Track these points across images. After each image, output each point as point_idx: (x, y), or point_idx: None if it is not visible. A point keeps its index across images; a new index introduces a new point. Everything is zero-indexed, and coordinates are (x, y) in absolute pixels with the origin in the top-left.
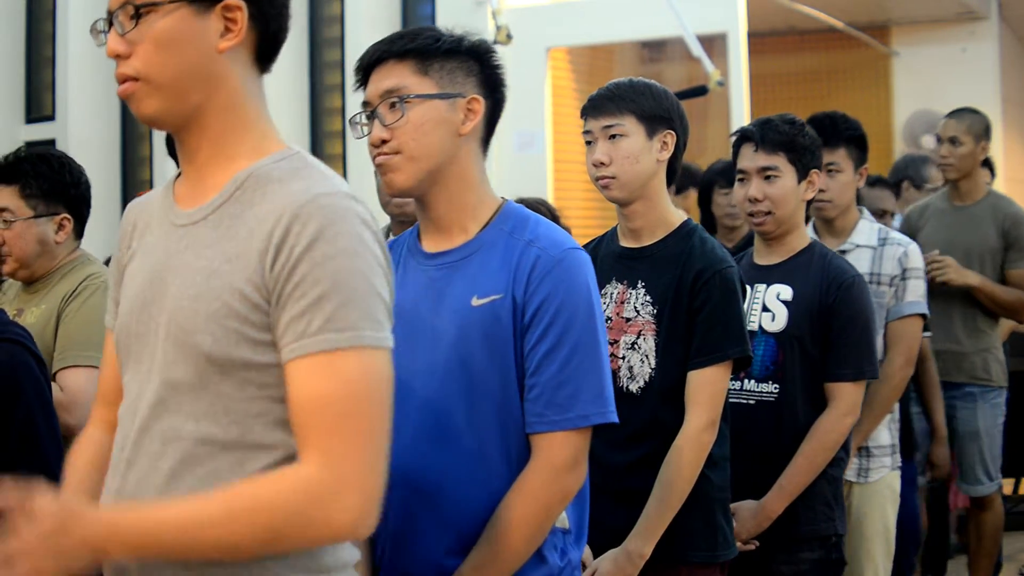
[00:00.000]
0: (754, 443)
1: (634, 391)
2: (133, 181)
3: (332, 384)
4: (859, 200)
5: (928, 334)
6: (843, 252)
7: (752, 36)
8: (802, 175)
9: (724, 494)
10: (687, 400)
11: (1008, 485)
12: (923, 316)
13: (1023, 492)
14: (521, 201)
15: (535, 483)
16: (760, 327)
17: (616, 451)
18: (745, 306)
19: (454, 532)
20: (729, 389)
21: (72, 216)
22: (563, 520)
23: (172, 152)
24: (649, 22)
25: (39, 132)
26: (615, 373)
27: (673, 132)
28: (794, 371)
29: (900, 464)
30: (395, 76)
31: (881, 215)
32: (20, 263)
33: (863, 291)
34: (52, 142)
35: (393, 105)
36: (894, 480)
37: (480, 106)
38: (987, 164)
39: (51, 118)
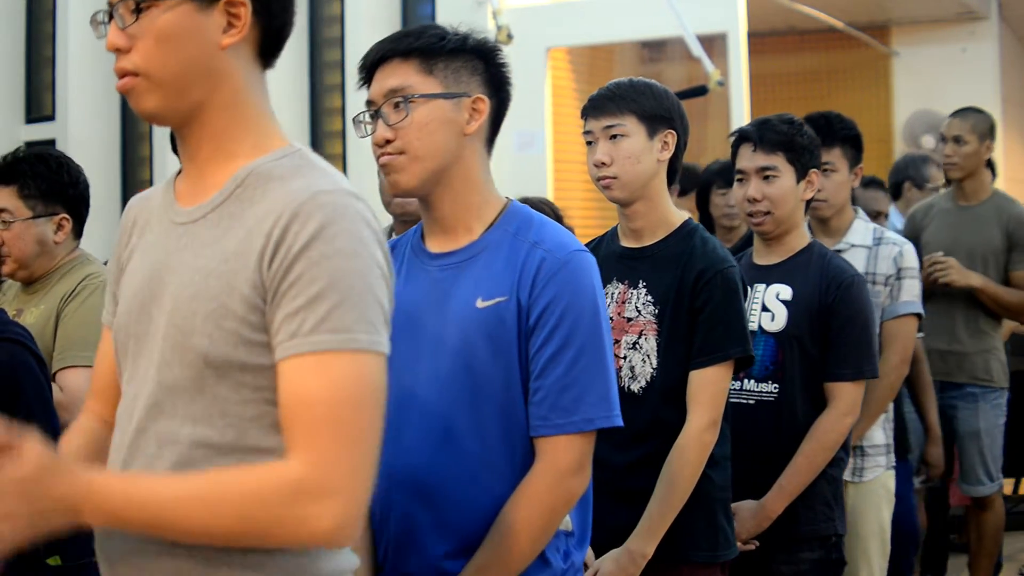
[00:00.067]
0: (754, 443)
1: (635, 391)
2: (133, 181)
3: (322, 386)
4: (853, 201)
5: (921, 334)
6: (838, 252)
7: (752, 36)
8: (801, 175)
9: (725, 494)
10: (689, 400)
11: (1008, 485)
12: (918, 316)
13: (1023, 492)
14: (525, 201)
15: (539, 487)
16: (760, 327)
17: (617, 451)
18: (745, 306)
19: (457, 535)
20: (729, 389)
21: (71, 216)
22: (566, 523)
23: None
24: (649, 22)
25: (39, 132)
26: (616, 373)
27: (674, 132)
28: (794, 371)
29: (895, 464)
30: (399, 75)
31: (875, 216)
32: (19, 263)
33: (863, 291)
34: (52, 142)
35: (397, 105)
36: (889, 480)
37: (485, 106)
38: (988, 164)
39: (51, 118)
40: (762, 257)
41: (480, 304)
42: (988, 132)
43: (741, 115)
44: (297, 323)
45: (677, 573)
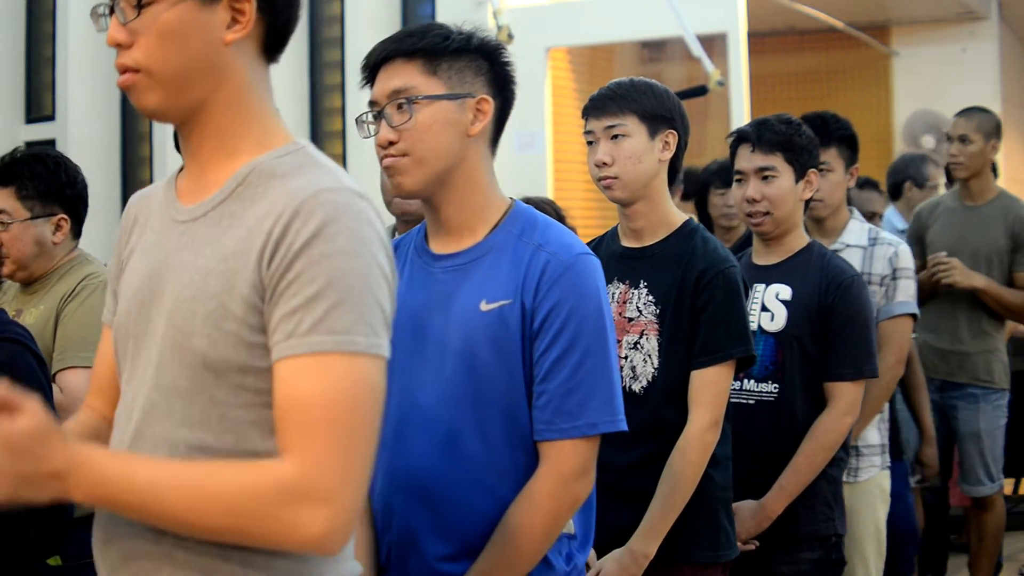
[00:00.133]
0: (754, 443)
1: (637, 391)
2: (133, 181)
3: (318, 388)
4: (849, 201)
5: (914, 335)
6: (833, 252)
7: (752, 36)
8: (800, 175)
9: (727, 494)
10: (690, 400)
11: (1008, 485)
12: (913, 316)
13: (1023, 492)
14: (527, 201)
15: (543, 491)
16: (759, 327)
17: (619, 451)
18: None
19: (459, 539)
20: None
21: (69, 216)
22: (569, 526)
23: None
24: (649, 22)
25: (39, 132)
26: None
27: (675, 132)
28: (793, 371)
29: (890, 464)
30: (403, 76)
31: (870, 217)
32: (18, 264)
33: (862, 290)
34: (52, 142)
35: (401, 106)
36: (884, 480)
37: (489, 106)
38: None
39: (51, 118)
40: (761, 257)
41: (484, 307)
42: (994, 131)
43: (741, 115)
44: (294, 323)
45: (678, 573)
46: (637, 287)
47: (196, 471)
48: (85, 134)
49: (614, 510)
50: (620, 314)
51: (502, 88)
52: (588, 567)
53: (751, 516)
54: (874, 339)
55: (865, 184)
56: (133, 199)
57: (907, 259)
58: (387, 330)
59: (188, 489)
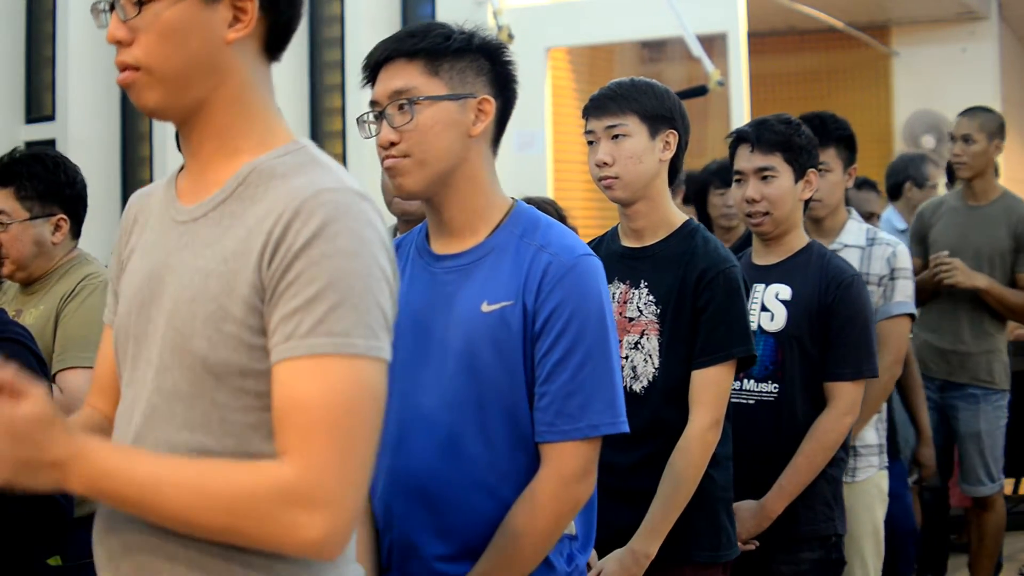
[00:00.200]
0: (754, 443)
1: (637, 391)
2: (133, 181)
3: (316, 390)
4: (846, 202)
5: (913, 335)
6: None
7: (752, 36)
8: (799, 175)
9: (727, 494)
10: (691, 400)
11: (1008, 485)
12: (911, 316)
13: (1023, 492)
14: (529, 201)
15: (545, 493)
16: (759, 327)
17: (620, 451)
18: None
19: (461, 540)
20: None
21: (68, 216)
22: (570, 527)
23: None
24: (649, 22)
25: (39, 132)
26: None
27: (675, 132)
28: (793, 371)
29: (887, 464)
30: (404, 76)
31: (868, 217)
32: (17, 265)
33: (862, 290)
34: (52, 142)
35: (402, 107)
36: (882, 480)
37: (491, 107)
38: None
39: (51, 118)
40: (761, 257)
41: (486, 308)
42: (997, 131)
43: (741, 115)
44: (293, 325)
45: (679, 573)
46: (638, 287)
47: (196, 469)
48: (85, 134)
49: (615, 510)
50: (621, 314)
51: (504, 88)
52: (589, 567)
53: (751, 516)
54: (874, 339)
55: (863, 184)
56: (133, 198)
57: (905, 259)
58: (388, 333)
59: (187, 487)
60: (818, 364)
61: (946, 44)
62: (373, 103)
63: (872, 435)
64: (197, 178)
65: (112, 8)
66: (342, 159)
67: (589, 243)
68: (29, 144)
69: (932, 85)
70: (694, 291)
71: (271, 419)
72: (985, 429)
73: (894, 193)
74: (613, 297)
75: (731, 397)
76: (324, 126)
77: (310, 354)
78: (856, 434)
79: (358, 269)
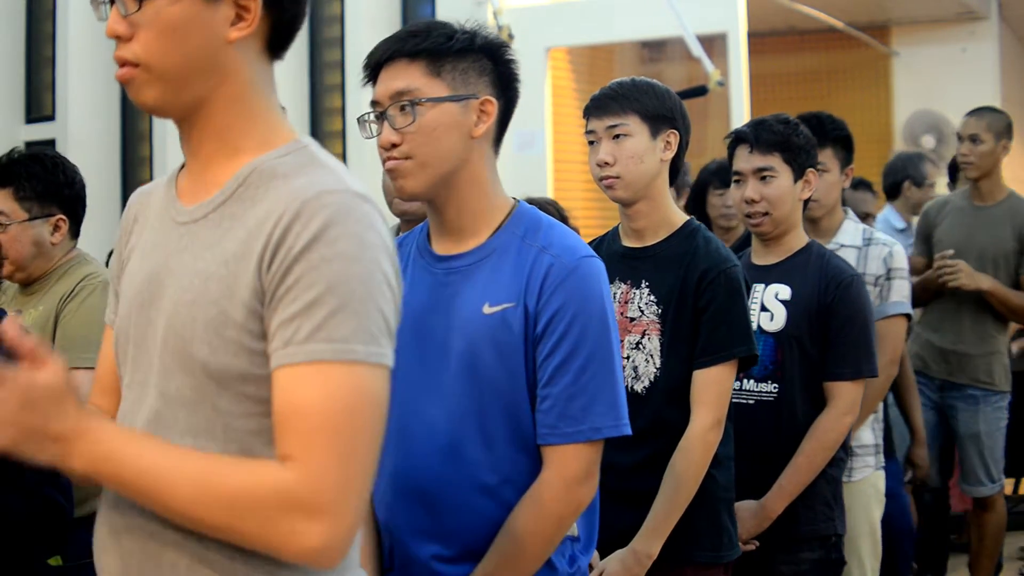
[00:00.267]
0: (754, 443)
1: (639, 391)
2: (133, 181)
3: (316, 396)
4: (843, 202)
5: (917, 332)
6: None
7: (752, 36)
8: (798, 174)
9: (729, 494)
10: (693, 400)
11: (1008, 485)
12: (907, 316)
13: (1023, 492)
14: (531, 201)
15: (547, 495)
16: (759, 327)
17: (621, 451)
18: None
19: (462, 542)
20: None
21: (67, 217)
22: (572, 528)
23: None
24: (649, 22)
25: (39, 132)
26: None
27: (676, 132)
28: (793, 371)
29: (884, 464)
30: (406, 77)
31: (863, 218)
32: (16, 266)
33: (861, 290)
34: (52, 142)
35: (404, 108)
36: (878, 480)
37: (493, 107)
38: None
39: (51, 118)
40: (760, 257)
41: (487, 310)
42: (1005, 131)
43: (741, 115)
44: (292, 330)
45: (681, 573)
46: (639, 287)
47: (200, 463)
48: (85, 134)
49: (617, 510)
50: (622, 314)
51: (506, 88)
52: (591, 568)
53: (751, 516)
54: (874, 339)
55: (858, 185)
56: (134, 197)
57: (901, 259)
58: (390, 338)
59: (189, 480)
60: (818, 364)
61: (946, 44)
62: (374, 103)
63: (868, 435)
64: (197, 178)
65: (112, 2)
66: (342, 159)
67: (590, 243)
68: (29, 144)
69: (932, 85)
70: (695, 291)
71: (272, 425)
72: (984, 430)
73: (892, 192)
74: (614, 297)
75: (731, 397)
76: (324, 126)
77: (309, 360)
78: (852, 434)
79: (359, 273)
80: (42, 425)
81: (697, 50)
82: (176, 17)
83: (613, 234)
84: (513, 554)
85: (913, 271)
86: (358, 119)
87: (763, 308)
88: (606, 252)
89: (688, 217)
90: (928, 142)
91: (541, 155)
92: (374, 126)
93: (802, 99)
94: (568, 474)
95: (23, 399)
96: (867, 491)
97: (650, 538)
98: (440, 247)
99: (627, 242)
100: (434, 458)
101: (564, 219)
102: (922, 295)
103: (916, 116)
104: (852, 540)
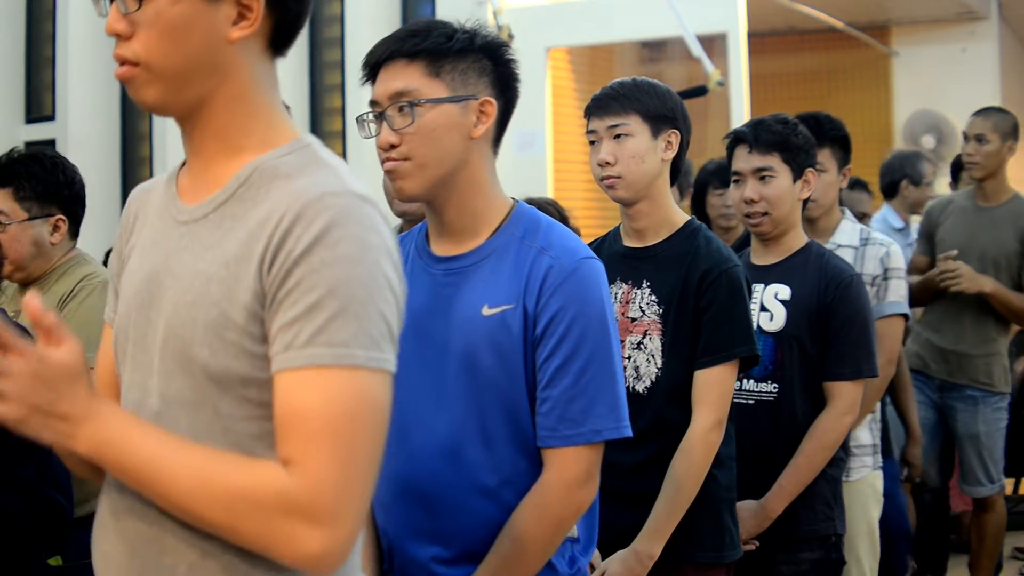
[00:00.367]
0: (754, 443)
1: (640, 391)
2: (133, 181)
3: (317, 401)
4: (840, 202)
5: (918, 331)
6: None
7: (752, 36)
8: (797, 174)
9: (731, 494)
10: (694, 400)
11: (1009, 485)
12: (904, 316)
13: (1023, 492)
14: (530, 202)
15: (547, 498)
16: (758, 327)
17: (623, 451)
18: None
19: (461, 544)
20: None
21: (67, 217)
22: (572, 529)
23: None
24: (649, 22)
25: (39, 132)
26: None
27: (677, 132)
28: (793, 371)
29: (881, 464)
30: (405, 77)
31: (860, 218)
32: (16, 265)
33: (861, 290)
34: (52, 142)
35: (402, 108)
36: (876, 480)
37: (493, 108)
38: None
39: (51, 118)
40: (760, 257)
41: (486, 311)
42: (1011, 132)
43: (741, 115)
44: (292, 334)
45: (682, 574)
46: (640, 287)
47: (204, 458)
48: (85, 134)
49: (618, 511)
50: (623, 314)
51: (505, 88)
52: (592, 568)
53: (751, 516)
54: (873, 338)
55: (854, 185)
56: (134, 194)
57: (898, 259)
58: (392, 343)
59: (192, 475)
60: (817, 364)
61: (946, 44)
62: (373, 103)
63: (866, 435)
64: (199, 176)
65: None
66: (342, 159)
67: (591, 243)
68: (29, 144)
69: (932, 85)
70: (697, 291)
71: (273, 429)
72: (984, 431)
73: (890, 192)
74: (616, 297)
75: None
76: (324, 126)
77: (309, 365)
78: (850, 434)
79: (360, 277)
80: (52, 402)
81: (697, 50)
82: (177, 17)
83: (614, 234)
84: (513, 556)
85: (916, 270)
86: (357, 119)
87: (763, 308)
88: (607, 252)
89: (689, 217)
90: (928, 142)
91: (541, 155)
92: (373, 126)
93: (802, 99)
94: (568, 476)
95: (37, 375)
96: (865, 491)
97: (652, 538)
98: (439, 248)
99: (628, 242)
100: (433, 460)
101: (564, 219)
102: (924, 294)
103: (916, 116)
104: (850, 540)
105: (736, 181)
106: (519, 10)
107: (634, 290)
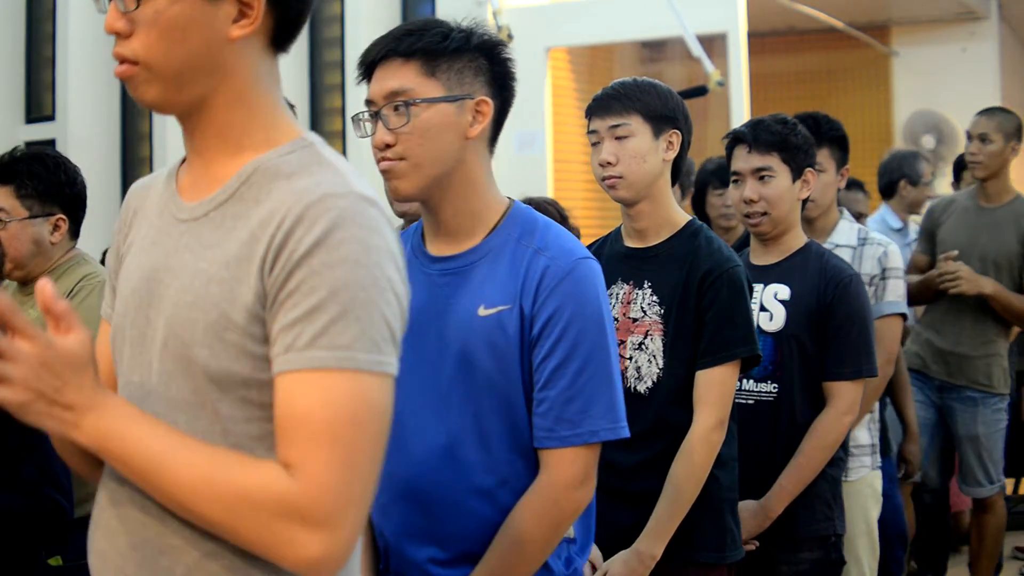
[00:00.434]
0: (753, 443)
1: (642, 391)
2: (133, 181)
3: (317, 403)
4: (838, 202)
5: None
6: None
7: (752, 36)
8: (796, 174)
9: (732, 494)
10: (696, 400)
11: (1009, 485)
12: (902, 316)
13: (1023, 492)
14: (529, 201)
15: (544, 499)
16: (758, 327)
17: (624, 451)
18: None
19: (458, 545)
20: None
21: (67, 216)
22: (569, 530)
23: None
24: (649, 22)
25: (39, 132)
26: (622, 373)
27: (679, 132)
28: (792, 370)
29: (880, 464)
30: (400, 77)
31: (857, 218)
32: (15, 264)
33: (860, 289)
34: (52, 142)
35: (398, 108)
36: (875, 480)
37: (488, 108)
38: None
39: (51, 118)
40: (759, 257)
41: (482, 312)
42: (1015, 132)
43: (741, 115)
44: (292, 336)
45: (684, 574)
46: (641, 287)
47: (207, 457)
48: (85, 134)
49: (619, 511)
50: (624, 314)
51: (502, 88)
52: (594, 568)
53: (752, 516)
54: (873, 338)
55: (851, 185)
56: (133, 190)
57: (896, 259)
58: (394, 346)
59: (193, 472)
60: (817, 364)
61: (946, 44)
62: (369, 102)
63: (865, 435)
64: (200, 174)
65: None
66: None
67: (592, 244)
68: (29, 144)
69: (932, 85)
70: (698, 291)
71: (274, 430)
72: (983, 432)
73: (888, 191)
74: (617, 297)
75: None
76: (324, 126)
77: (310, 367)
78: (849, 434)
79: (362, 279)
80: (57, 390)
81: (697, 50)
82: (176, 17)
83: (615, 234)
84: (510, 557)
85: (916, 269)
86: (352, 118)
87: (762, 308)
88: (608, 252)
89: (690, 217)
90: (928, 142)
91: (541, 155)
92: (369, 125)
93: (802, 99)
94: (566, 477)
95: (43, 361)
96: (864, 491)
97: (654, 539)
98: (435, 248)
99: (629, 242)
100: (430, 460)
101: (564, 219)
102: (924, 294)
103: (916, 116)
104: (849, 540)
105: (735, 181)
106: (519, 10)
107: (635, 290)
